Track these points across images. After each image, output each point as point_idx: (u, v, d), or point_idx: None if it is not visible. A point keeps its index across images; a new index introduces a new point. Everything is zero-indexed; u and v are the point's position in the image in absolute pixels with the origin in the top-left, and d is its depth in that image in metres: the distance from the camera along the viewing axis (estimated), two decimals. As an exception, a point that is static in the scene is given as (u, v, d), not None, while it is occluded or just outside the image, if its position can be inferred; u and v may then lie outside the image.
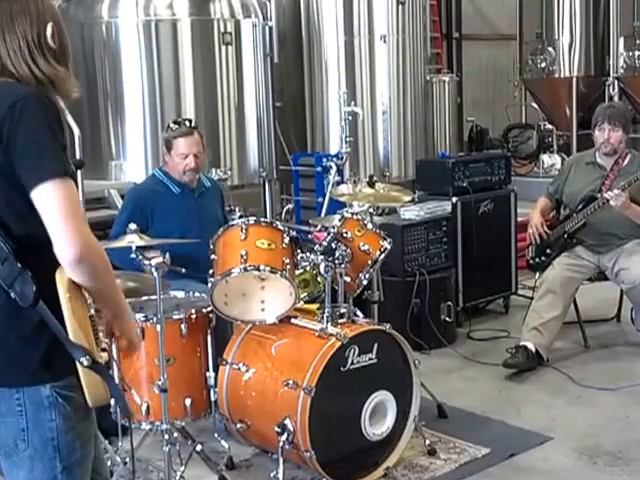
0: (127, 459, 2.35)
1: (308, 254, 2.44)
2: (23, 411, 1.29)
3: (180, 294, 2.52)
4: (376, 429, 2.32)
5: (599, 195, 3.30)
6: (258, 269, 2.27)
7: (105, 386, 1.28)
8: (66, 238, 1.22)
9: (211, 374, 2.36)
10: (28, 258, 1.28)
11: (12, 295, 1.26)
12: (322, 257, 2.38)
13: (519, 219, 4.04)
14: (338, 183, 4.22)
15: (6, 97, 1.28)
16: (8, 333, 1.29)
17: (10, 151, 1.25)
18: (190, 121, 2.90)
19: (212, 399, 2.36)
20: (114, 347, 2.28)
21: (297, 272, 2.45)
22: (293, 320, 2.41)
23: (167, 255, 2.22)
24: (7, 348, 1.30)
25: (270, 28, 4.97)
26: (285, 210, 5.20)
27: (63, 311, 1.25)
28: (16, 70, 1.31)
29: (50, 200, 1.24)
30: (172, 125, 2.85)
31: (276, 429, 2.19)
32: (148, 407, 2.28)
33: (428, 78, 5.82)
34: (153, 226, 2.72)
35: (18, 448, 1.30)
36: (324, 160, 4.67)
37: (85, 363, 1.25)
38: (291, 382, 2.20)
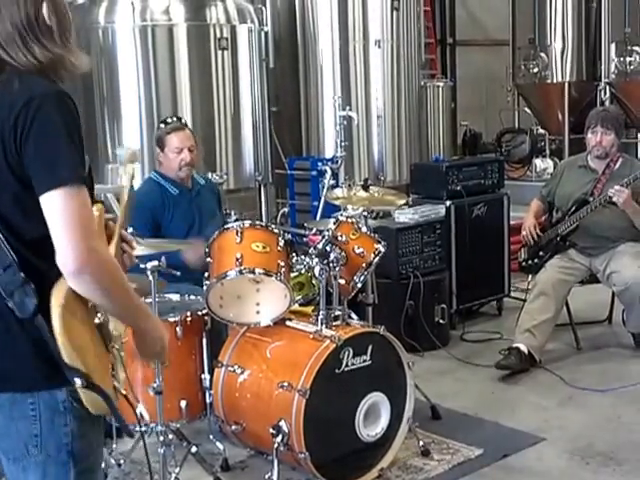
0: (121, 461, 2.37)
1: (303, 257, 2.46)
2: (37, 416, 1.24)
3: (175, 297, 2.53)
4: (370, 430, 2.33)
5: (591, 198, 3.34)
6: (253, 272, 2.29)
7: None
8: (67, 248, 1.16)
9: (206, 376, 2.37)
10: (38, 265, 1.21)
11: (10, 305, 1.20)
12: (317, 260, 2.40)
13: (512, 222, 4.07)
14: (333, 187, 4.23)
15: (23, 93, 1.19)
16: (18, 337, 1.23)
17: (23, 151, 1.18)
18: (180, 119, 2.93)
19: (207, 401, 2.37)
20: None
21: (292, 275, 2.46)
22: (288, 322, 2.42)
23: (162, 259, 2.23)
24: (19, 352, 1.23)
25: (266, 33, 5.01)
26: (280, 214, 5.23)
27: (54, 328, 1.18)
28: (13, 60, 1.21)
29: (56, 209, 1.17)
30: (164, 122, 2.88)
31: (271, 431, 2.20)
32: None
33: (422, 83, 5.86)
34: (162, 228, 2.74)
35: (30, 453, 1.25)
36: (319, 164, 4.70)
37: (78, 384, 1.19)
38: (286, 384, 2.22)
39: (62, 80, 1.28)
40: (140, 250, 2.25)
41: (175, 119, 2.90)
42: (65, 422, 1.25)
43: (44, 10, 1.23)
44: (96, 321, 1.26)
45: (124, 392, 1.31)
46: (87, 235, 1.18)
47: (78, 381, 1.19)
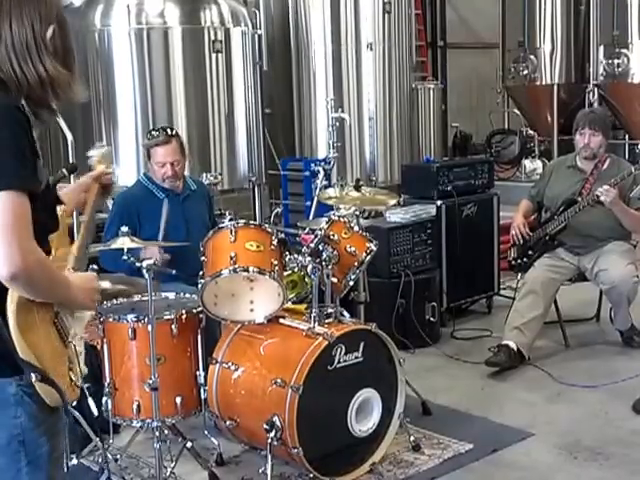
0: (118, 456, 2.40)
1: (296, 256, 2.49)
2: None
3: (171, 295, 2.55)
4: (362, 426, 2.37)
5: (579, 198, 3.39)
6: (247, 270, 2.32)
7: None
8: (1, 254, 1.19)
9: (201, 373, 2.40)
10: None
11: None
12: (310, 259, 2.43)
13: (501, 222, 4.11)
14: (325, 187, 4.28)
15: None
16: None
17: None
18: (171, 129, 2.92)
19: (202, 397, 2.40)
20: (105, 348, 2.36)
21: (285, 273, 2.48)
22: (281, 320, 2.46)
23: (164, 254, 2.26)
24: None
25: (259, 36, 5.06)
26: (274, 213, 5.28)
27: (9, 325, 1.24)
28: (15, 74, 1.27)
29: None
30: (151, 133, 2.88)
31: (264, 426, 2.23)
32: (139, 405, 2.33)
33: (413, 85, 5.93)
34: (141, 231, 2.77)
35: None
36: (312, 165, 4.75)
37: (34, 379, 1.26)
38: (279, 380, 2.25)
39: (59, 100, 1.35)
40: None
41: (167, 130, 2.87)
42: (15, 414, 1.30)
43: (49, 33, 1.31)
44: (52, 317, 1.32)
45: (79, 385, 1.38)
46: (21, 240, 1.20)
47: (33, 375, 1.26)
